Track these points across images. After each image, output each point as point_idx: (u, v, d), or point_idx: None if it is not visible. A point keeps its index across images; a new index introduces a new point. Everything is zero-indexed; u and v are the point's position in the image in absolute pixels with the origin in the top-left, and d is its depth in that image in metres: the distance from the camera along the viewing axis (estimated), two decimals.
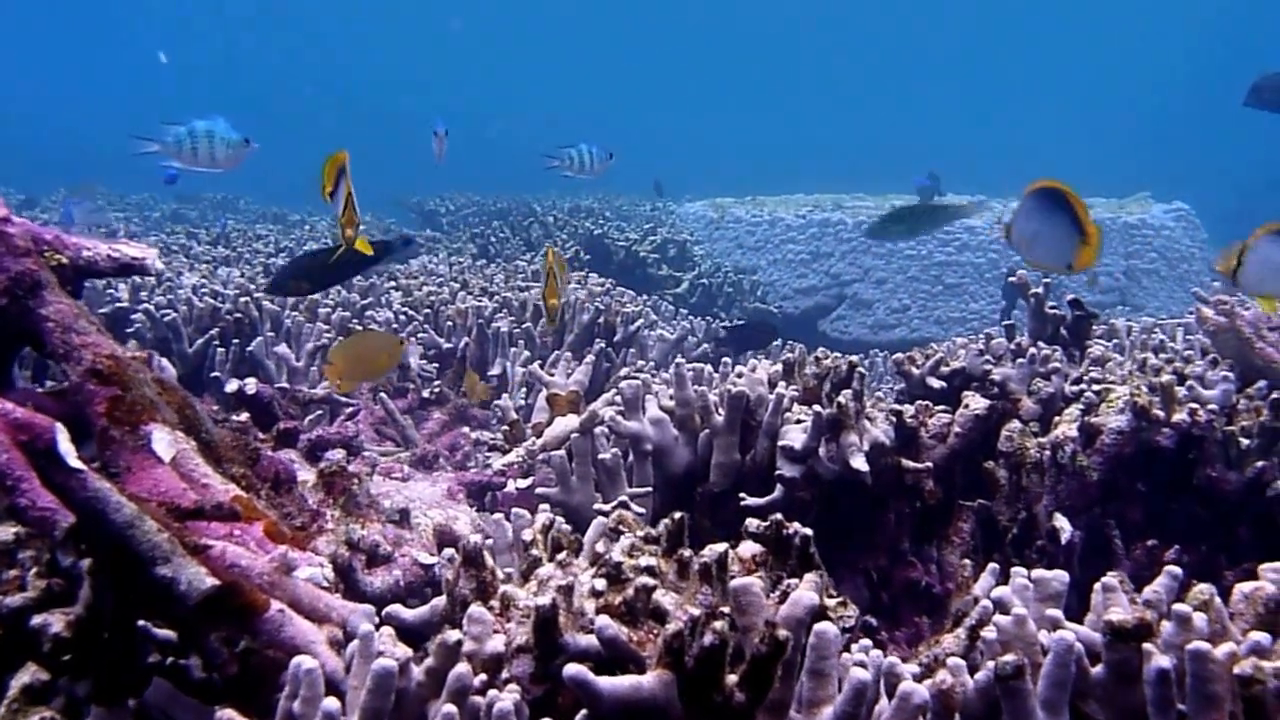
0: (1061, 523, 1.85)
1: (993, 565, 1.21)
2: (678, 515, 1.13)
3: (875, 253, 6.50)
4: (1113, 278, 6.35)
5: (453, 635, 0.93)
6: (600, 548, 1.11)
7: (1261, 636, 0.90)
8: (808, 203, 7.32)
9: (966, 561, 1.18)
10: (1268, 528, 1.89)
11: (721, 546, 1.08)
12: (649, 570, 1.07)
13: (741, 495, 1.83)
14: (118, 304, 3.15)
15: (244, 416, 1.46)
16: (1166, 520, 1.92)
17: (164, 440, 1.15)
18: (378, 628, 1.12)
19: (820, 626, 0.91)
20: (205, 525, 1.12)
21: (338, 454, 1.46)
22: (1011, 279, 2.34)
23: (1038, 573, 1.07)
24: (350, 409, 2.11)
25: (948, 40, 27.06)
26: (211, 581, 0.99)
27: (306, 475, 1.42)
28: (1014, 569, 1.10)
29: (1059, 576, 1.06)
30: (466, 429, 2.34)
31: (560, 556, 1.10)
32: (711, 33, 28.96)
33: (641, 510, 1.86)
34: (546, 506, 1.50)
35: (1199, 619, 0.92)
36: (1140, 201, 7.10)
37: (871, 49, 28.02)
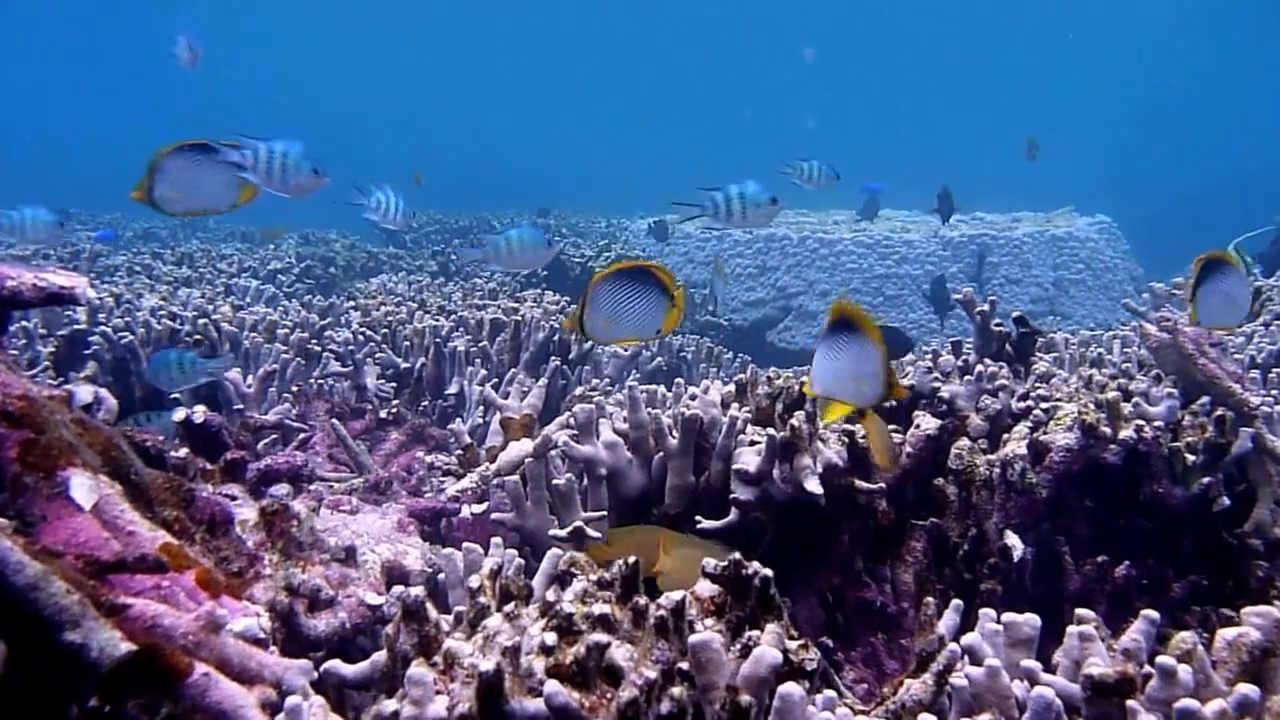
0: (1013, 540, 1.76)
1: (957, 603, 1.11)
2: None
3: (819, 266, 6.43)
4: (1042, 288, 6.32)
5: (388, 707, 0.81)
6: (550, 595, 0.99)
7: (1249, 689, 0.80)
8: None
9: (930, 601, 1.08)
10: (1210, 539, 1.82)
11: (679, 594, 0.96)
12: (602, 620, 0.95)
13: (698, 518, 1.72)
14: (76, 326, 2.99)
15: (183, 452, 1.32)
16: (1113, 535, 1.83)
17: (84, 486, 1.01)
18: (318, 682, 1.00)
19: (785, 689, 0.79)
20: (128, 578, 0.98)
21: (281, 490, 1.33)
22: (957, 296, 2.25)
23: (1008, 617, 0.96)
24: (303, 435, 1.97)
25: (886, 61, 27.16)
26: (126, 647, 0.86)
27: (249, 513, 1.28)
28: (983, 610, 0.99)
29: (1030, 621, 0.96)
30: (422, 453, 2.20)
31: (508, 608, 0.98)
32: (652, 50, 28.85)
33: (598, 535, 1.74)
34: (499, 540, 1.38)
35: (1184, 672, 0.81)
36: (1065, 215, 7.10)
37: (810, 68, 28.09)
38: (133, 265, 4.48)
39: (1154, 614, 0.92)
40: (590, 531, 1.73)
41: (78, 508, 1.01)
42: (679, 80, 28.45)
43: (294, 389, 2.45)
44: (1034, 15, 25.66)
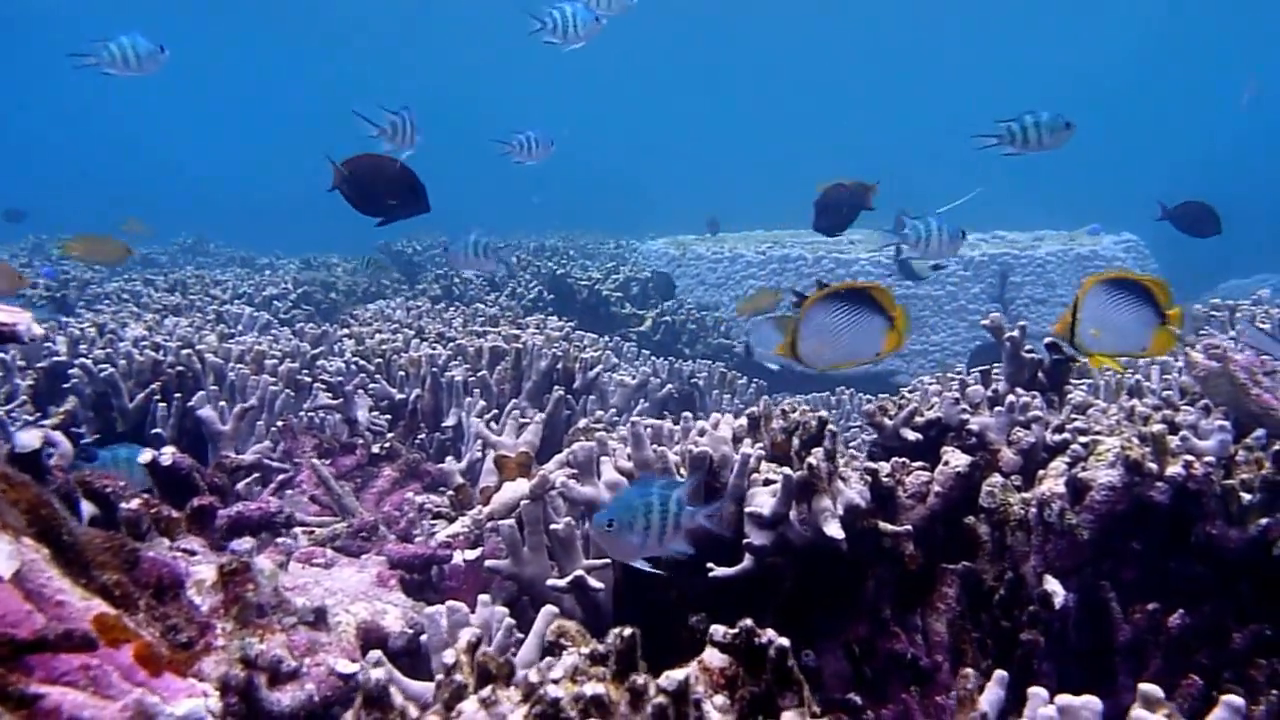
0: (1054, 586, 1.63)
1: (1001, 674, 0.99)
2: (628, 632, 0.89)
3: None
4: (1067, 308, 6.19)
5: None
6: (534, 676, 0.87)
7: None
8: (767, 239, 7.15)
9: (969, 672, 0.96)
10: (1272, 585, 1.69)
11: (681, 674, 0.84)
12: (595, 703, 0.84)
13: (709, 566, 1.61)
14: (56, 358, 2.90)
15: (136, 503, 1.21)
16: (1164, 580, 1.70)
17: (2, 552, 0.90)
18: None
19: None
20: (50, 658, 0.87)
21: (244, 545, 1.21)
22: (984, 322, 2.13)
23: (1065, 700, 0.84)
24: (284, 475, 1.86)
25: (896, 78, 27.06)
26: None
27: (208, 571, 1.17)
28: (1033, 691, 0.87)
29: (1089, 704, 0.84)
30: (412, 493, 2.08)
31: (484, 692, 0.86)
32: (666, 72, 28.79)
33: (600, 585, 1.62)
34: (486, 599, 1.26)
35: None
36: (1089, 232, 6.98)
37: (824, 87, 28.02)
38: (122, 292, 4.40)
39: (1238, 701, 0.80)
40: (592, 581, 1.61)
41: None
42: (689, 101, 28.42)
43: (280, 423, 2.34)
44: (1058, 26, 25.62)
